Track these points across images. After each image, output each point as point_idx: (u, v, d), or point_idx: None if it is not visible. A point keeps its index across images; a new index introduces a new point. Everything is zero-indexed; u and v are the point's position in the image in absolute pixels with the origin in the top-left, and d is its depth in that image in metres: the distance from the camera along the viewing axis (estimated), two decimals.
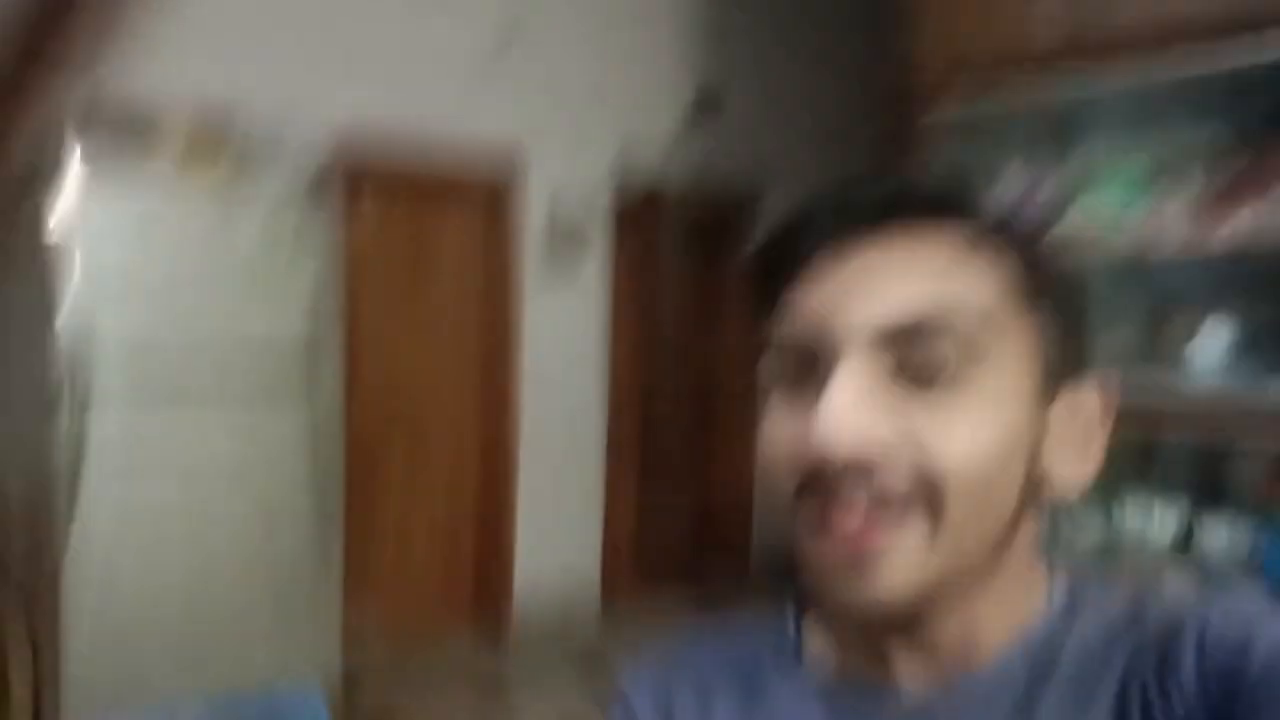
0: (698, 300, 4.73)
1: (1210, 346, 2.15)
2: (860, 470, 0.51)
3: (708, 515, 4.96)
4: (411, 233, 4.02)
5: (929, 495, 0.51)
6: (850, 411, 0.51)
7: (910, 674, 0.58)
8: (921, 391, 0.52)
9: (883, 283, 0.53)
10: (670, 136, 4.57)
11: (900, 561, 0.52)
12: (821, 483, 0.52)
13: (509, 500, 4.19)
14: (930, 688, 0.57)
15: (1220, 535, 2.16)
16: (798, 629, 0.65)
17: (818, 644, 0.64)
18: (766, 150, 4.93)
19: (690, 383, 4.73)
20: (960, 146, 2.44)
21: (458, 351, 4.18)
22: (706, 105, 4.65)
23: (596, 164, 4.35)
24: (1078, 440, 0.57)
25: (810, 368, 0.54)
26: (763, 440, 0.56)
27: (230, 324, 2.78)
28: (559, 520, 4.35)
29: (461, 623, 4.19)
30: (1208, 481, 2.34)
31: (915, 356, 0.52)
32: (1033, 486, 0.55)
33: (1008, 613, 0.57)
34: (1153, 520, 2.28)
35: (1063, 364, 0.56)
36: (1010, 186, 2.42)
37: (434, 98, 3.84)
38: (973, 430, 0.52)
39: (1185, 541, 2.24)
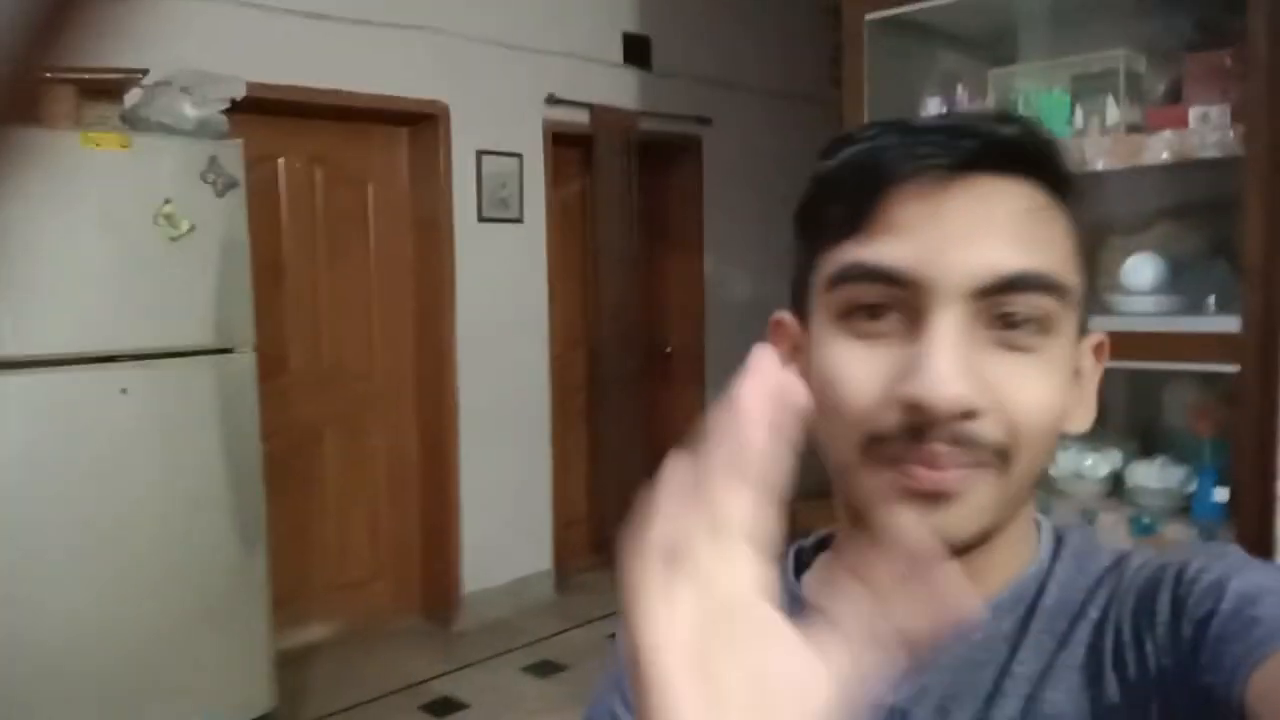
0: (640, 246, 4.56)
1: (1138, 276, 2.04)
2: (958, 421, 0.52)
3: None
4: (332, 184, 3.82)
5: (1006, 446, 0.53)
6: (957, 367, 0.52)
7: None
8: (1004, 348, 0.53)
9: (980, 236, 0.53)
10: (602, 82, 4.37)
11: (973, 504, 0.54)
12: (913, 429, 0.53)
13: (451, 477, 4.00)
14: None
15: (1153, 475, 2.07)
16: (797, 580, 0.68)
17: (818, 592, 0.66)
18: (708, 76, 4.74)
19: (636, 333, 4.57)
20: (897, 47, 2.40)
21: (388, 314, 4.01)
22: (636, 51, 4.46)
23: (525, 113, 4.14)
24: (1083, 389, 0.61)
25: (881, 314, 0.54)
26: (831, 385, 0.55)
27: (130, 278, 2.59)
28: (505, 495, 4.19)
29: (406, 617, 4.04)
30: (1143, 422, 2.26)
31: (1002, 315, 0.53)
32: (1058, 433, 0.58)
33: (1010, 557, 0.60)
34: (1088, 460, 2.20)
35: (1086, 317, 0.59)
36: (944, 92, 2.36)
37: (351, 45, 3.60)
38: (1046, 383, 0.54)
39: (1118, 481, 2.16)
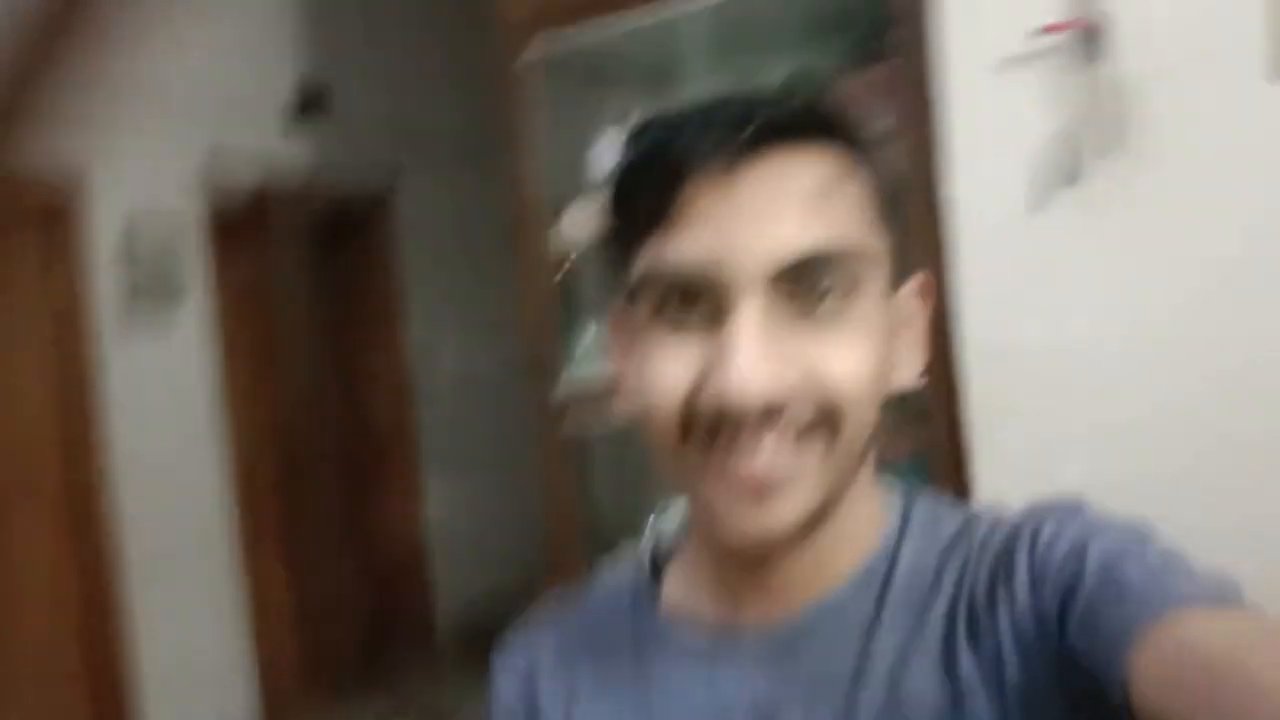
0: (330, 320, 4.16)
1: None
2: (770, 412, 0.52)
3: (379, 585, 4.39)
4: None
5: (828, 422, 0.53)
6: (758, 357, 0.51)
7: (765, 609, 0.59)
8: (809, 321, 0.53)
9: (772, 218, 0.52)
10: (273, 135, 3.96)
11: (801, 486, 0.54)
12: (725, 425, 0.52)
13: (121, 643, 3.30)
14: (782, 622, 0.59)
15: None
16: (654, 583, 0.66)
17: (675, 594, 0.65)
18: (395, 131, 4.43)
19: (336, 420, 4.14)
20: (560, 87, 2.31)
21: (20, 444, 3.27)
22: (311, 101, 4.10)
23: (181, 174, 3.64)
24: (909, 337, 0.60)
25: (693, 303, 0.54)
26: (646, 380, 0.55)
27: None
28: (193, 634, 3.55)
29: None
30: None
31: (805, 289, 0.53)
32: (885, 390, 0.58)
33: (856, 534, 0.59)
34: None
35: (897, 268, 0.59)
36: (616, 124, 2.22)
37: None
38: (860, 352, 0.54)
39: None
